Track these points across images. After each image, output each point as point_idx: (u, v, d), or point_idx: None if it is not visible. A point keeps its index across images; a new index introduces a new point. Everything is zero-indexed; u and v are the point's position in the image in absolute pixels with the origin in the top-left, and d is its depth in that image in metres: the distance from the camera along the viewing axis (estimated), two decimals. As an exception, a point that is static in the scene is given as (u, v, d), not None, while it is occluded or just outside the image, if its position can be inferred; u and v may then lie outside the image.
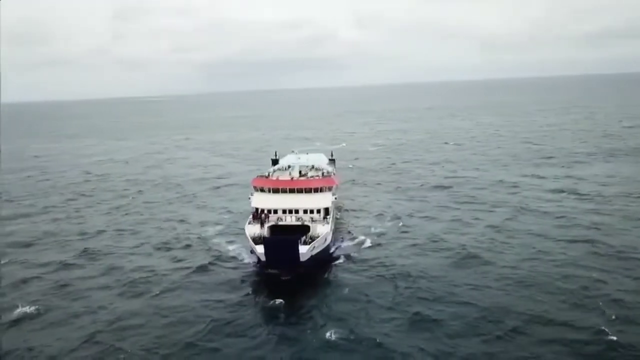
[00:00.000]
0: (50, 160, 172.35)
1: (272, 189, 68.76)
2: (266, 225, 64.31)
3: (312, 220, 65.94)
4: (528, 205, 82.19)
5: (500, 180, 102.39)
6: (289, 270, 59.46)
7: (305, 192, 68.77)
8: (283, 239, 58.57)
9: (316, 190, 69.19)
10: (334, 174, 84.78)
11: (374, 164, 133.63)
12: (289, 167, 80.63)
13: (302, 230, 63.75)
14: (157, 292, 55.49)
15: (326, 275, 60.03)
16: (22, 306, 52.21)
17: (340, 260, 64.23)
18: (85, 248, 70.86)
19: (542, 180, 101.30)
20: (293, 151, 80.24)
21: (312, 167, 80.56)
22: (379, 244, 68.38)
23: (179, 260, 65.44)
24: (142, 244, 72.85)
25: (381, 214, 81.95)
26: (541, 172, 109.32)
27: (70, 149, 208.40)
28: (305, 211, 66.70)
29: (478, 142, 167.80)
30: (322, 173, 78.71)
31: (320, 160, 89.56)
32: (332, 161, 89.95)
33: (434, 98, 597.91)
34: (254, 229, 63.11)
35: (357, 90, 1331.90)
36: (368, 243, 68.55)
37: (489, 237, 68.49)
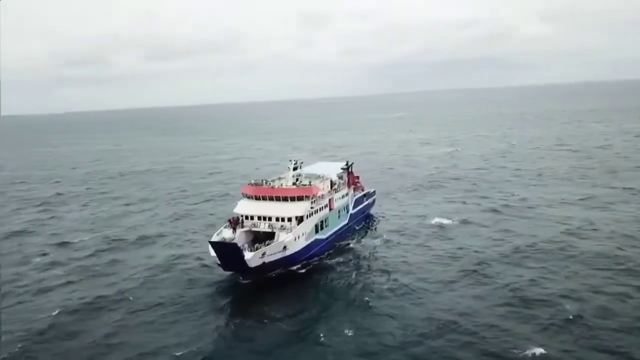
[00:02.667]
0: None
1: (255, 196, 73.30)
2: (239, 230, 69.38)
3: (282, 227, 68.87)
4: None
5: None
6: (243, 274, 64.03)
7: (282, 200, 71.55)
8: (225, 243, 62.93)
9: (292, 199, 71.40)
10: (340, 183, 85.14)
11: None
12: (298, 175, 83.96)
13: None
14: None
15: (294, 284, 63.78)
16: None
17: (328, 266, 68.37)
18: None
19: None
20: (291, 160, 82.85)
21: (319, 176, 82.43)
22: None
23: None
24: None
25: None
26: None
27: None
28: (277, 219, 69.84)
29: None
30: (331, 183, 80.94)
31: (330, 168, 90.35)
32: (345, 170, 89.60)
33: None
34: (226, 233, 68.84)
35: (541, 89, 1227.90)
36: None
37: None
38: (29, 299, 61.77)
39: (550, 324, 49.50)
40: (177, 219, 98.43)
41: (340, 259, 72.08)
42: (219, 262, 63.19)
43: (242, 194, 75.13)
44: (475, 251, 71.46)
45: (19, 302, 60.52)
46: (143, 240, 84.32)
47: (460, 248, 73.43)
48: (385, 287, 61.03)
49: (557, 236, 75.79)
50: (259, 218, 70.59)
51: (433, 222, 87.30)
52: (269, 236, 67.76)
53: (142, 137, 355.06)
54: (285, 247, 65.36)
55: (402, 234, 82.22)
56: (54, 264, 73.73)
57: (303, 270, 68.56)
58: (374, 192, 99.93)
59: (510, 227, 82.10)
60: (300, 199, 71.41)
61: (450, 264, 67.82)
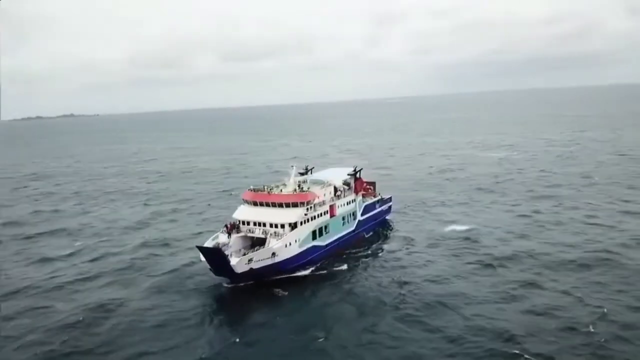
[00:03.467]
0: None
1: (253, 202, 74.39)
2: (234, 235, 70.78)
3: (275, 234, 69.42)
4: None
5: None
6: (232, 279, 65.18)
7: (278, 206, 72.06)
8: (210, 248, 64.19)
9: (287, 205, 71.63)
10: (345, 189, 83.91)
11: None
12: (305, 180, 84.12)
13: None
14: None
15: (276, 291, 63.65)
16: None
17: (315, 276, 68.18)
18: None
19: None
20: (292, 166, 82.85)
21: (322, 182, 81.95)
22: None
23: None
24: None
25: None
26: None
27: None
28: (271, 225, 70.46)
29: None
30: (334, 189, 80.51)
31: (340, 174, 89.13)
32: (352, 176, 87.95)
33: None
34: (221, 238, 70.44)
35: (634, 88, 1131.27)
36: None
37: None
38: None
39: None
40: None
41: (343, 266, 71.24)
42: (209, 267, 64.92)
43: (242, 199, 76.55)
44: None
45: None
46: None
47: (479, 253, 72.33)
48: (389, 296, 59.81)
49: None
50: (255, 224, 71.61)
51: (450, 229, 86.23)
52: (263, 242, 68.66)
53: (212, 137, 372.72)
54: (274, 254, 65.73)
55: (415, 242, 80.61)
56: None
57: (305, 273, 69.51)
58: (390, 198, 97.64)
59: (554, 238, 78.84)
60: (295, 205, 71.47)
61: (454, 274, 65.53)
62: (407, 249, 78.00)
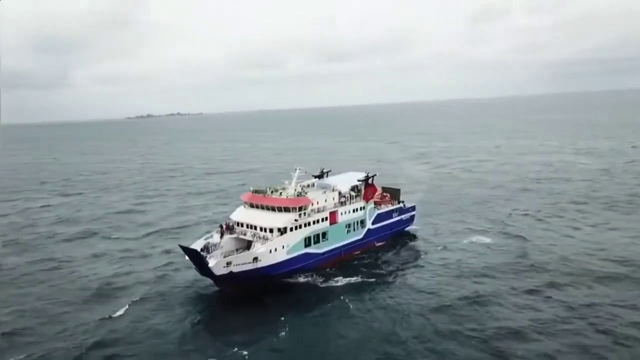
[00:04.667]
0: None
1: (250, 203, 73.90)
2: (226, 236, 70.78)
3: (263, 238, 68.32)
4: None
5: None
6: (214, 282, 65.21)
7: (271, 210, 70.84)
8: (189, 249, 64.11)
9: (280, 210, 70.07)
10: (352, 195, 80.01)
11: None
12: (312, 184, 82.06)
13: None
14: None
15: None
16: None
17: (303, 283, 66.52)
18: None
19: None
20: (296, 169, 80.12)
21: (327, 187, 79.18)
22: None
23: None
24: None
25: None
26: None
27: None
28: (261, 228, 69.44)
29: None
30: (339, 195, 77.67)
31: (347, 180, 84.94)
32: (363, 181, 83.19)
33: None
34: (214, 238, 70.84)
35: None
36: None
37: None
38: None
39: None
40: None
41: (338, 279, 67.67)
42: (194, 266, 65.64)
43: (242, 200, 76.45)
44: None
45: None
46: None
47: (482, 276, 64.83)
48: (378, 322, 54.74)
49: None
50: (247, 226, 71.20)
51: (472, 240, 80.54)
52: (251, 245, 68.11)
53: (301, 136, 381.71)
54: (256, 259, 64.73)
55: (428, 258, 75.26)
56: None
57: (296, 281, 67.79)
58: (412, 207, 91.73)
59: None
60: (287, 210, 69.76)
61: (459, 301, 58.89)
62: (418, 267, 72.05)
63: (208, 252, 66.55)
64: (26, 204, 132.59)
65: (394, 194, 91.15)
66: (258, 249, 65.61)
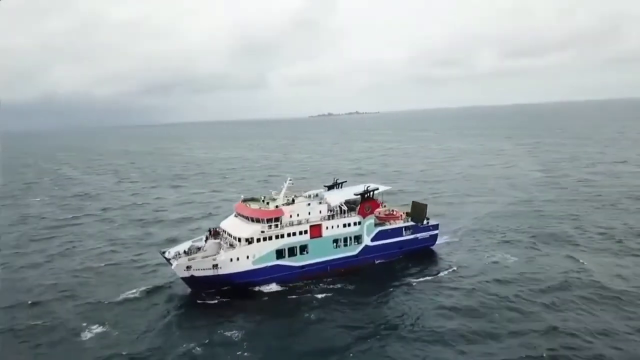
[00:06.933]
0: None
1: (235, 212, 75.29)
2: (210, 241, 73.39)
3: (231, 246, 69.41)
4: None
5: None
6: (188, 285, 68.74)
7: (245, 219, 71.20)
8: (161, 252, 68.40)
9: (252, 220, 70.05)
10: (342, 209, 74.47)
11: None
12: (316, 194, 79.48)
13: None
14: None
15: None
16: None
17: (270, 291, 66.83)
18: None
19: None
20: (290, 179, 76.78)
21: (319, 199, 75.61)
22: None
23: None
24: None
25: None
26: None
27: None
28: (234, 237, 70.36)
29: None
30: (328, 208, 74.12)
31: (342, 193, 78.49)
32: (361, 195, 75.55)
33: None
34: (199, 242, 74.31)
35: None
36: None
37: None
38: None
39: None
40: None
41: (318, 295, 65.01)
42: None
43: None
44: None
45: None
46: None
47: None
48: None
49: None
50: (227, 233, 73.01)
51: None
52: None
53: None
54: (216, 266, 66.36)
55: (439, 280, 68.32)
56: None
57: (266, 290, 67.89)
58: (435, 226, 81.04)
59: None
60: (256, 220, 69.42)
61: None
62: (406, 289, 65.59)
63: (191, 254, 70.43)
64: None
65: (418, 210, 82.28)
66: (220, 256, 67.10)
